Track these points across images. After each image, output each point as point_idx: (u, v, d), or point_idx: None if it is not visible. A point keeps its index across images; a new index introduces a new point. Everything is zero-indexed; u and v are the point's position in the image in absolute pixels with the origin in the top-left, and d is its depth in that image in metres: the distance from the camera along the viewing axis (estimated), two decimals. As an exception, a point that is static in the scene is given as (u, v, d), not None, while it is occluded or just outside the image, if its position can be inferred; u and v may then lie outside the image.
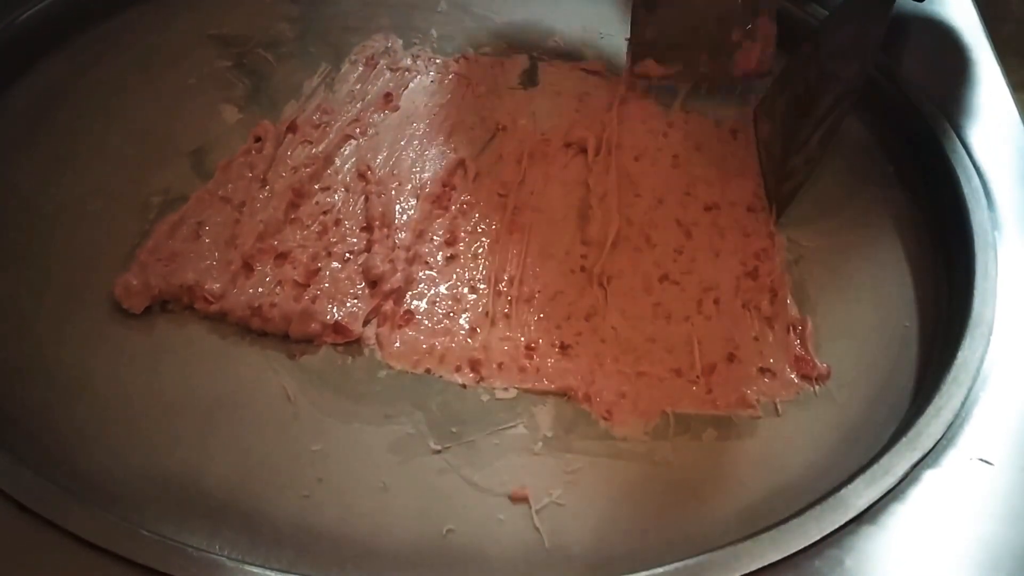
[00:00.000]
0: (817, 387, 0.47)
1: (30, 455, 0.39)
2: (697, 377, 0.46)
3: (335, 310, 0.47)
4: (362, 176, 0.53)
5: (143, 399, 0.43)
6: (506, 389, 0.45)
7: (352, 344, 0.46)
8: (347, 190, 0.53)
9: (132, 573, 0.35)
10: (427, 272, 0.50)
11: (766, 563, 0.37)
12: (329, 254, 0.49)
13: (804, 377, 0.47)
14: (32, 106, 0.55)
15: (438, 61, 0.62)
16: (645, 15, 0.58)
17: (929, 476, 0.41)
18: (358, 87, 0.59)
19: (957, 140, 0.56)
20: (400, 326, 0.47)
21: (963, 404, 0.43)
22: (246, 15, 0.63)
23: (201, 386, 0.44)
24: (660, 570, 0.37)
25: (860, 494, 0.40)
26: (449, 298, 0.49)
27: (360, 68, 0.61)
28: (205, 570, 0.35)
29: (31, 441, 0.41)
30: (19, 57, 0.57)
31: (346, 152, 0.55)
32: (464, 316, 0.48)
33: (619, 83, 0.61)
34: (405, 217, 0.51)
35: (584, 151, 0.57)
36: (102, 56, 0.59)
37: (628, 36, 0.59)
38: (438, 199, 0.53)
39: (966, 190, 0.53)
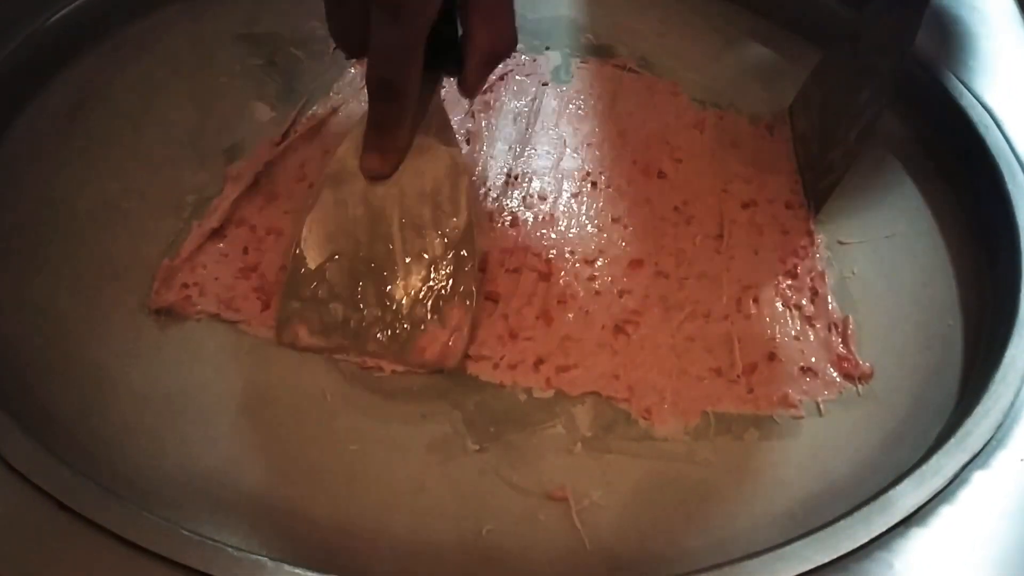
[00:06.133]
0: (860, 386, 0.46)
1: (68, 454, 0.38)
2: (738, 376, 0.46)
3: None
4: None
5: (180, 398, 0.43)
6: (543, 389, 0.45)
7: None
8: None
9: (172, 572, 0.34)
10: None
11: (814, 565, 0.36)
12: None
13: (847, 376, 0.46)
14: (64, 107, 0.55)
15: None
16: (305, 271, 0.46)
17: (979, 477, 0.40)
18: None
19: (1000, 134, 0.55)
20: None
21: (1012, 404, 0.42)
22: (277, 14, 0.63)
23: (238, 386, 0.44)
24: (703, 573, 0.37)
25: (909, 495, 0.39)
26: (486, 298, 0.48)
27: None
28: (245, 570, 0.35)
29: (69, 440, 0.40)
30: (51, 58, 0.57)
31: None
32: (502, 316, 0.47)
33: (653, 80, 0.61)
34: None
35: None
36: (133, 56, 0.59)
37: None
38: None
39: (1010, 186, 0.52)
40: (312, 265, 0.45)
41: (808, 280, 0.50)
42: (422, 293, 0.45)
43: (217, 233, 0.49)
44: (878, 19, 0.54)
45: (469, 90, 0.47)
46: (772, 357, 0.47)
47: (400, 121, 0.45)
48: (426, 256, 0.46)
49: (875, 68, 0.53)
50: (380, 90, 0.44)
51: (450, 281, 0.45)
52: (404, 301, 0.45)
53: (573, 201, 0.53)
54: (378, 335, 0.45)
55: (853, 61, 0.55)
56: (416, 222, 0.46)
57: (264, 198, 0.51)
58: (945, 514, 0.39)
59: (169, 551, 0.35)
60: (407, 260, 0.46)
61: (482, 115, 0.58)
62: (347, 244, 0.46)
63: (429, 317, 0.45)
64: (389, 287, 0.45)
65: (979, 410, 0.42)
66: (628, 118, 0.59)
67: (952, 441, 0.41)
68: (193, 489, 0.40)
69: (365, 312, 0.45)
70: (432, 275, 0.45)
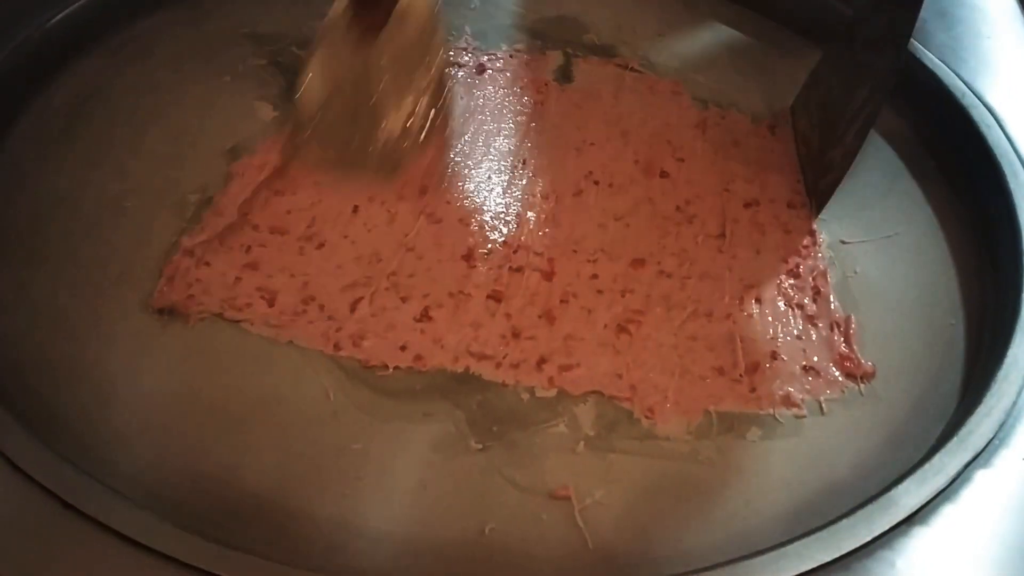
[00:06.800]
0: (862, 386, 0.46)
1: (72, 453, 0.38)
2: (740, 376, 0.46)
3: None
4: None
5: (183, 398, 0.43)
6: (546, 388, 0.45)
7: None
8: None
9: (174, 571, 0.35)
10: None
11: (816, 564, 0.36)
12: None
13: (849, 375, 0.46)
14: (68, 106, 0.55)
15: (467, 58, 0.62)
16: (310, 106, 0.50)
17: (981, 476, 0.40)
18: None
19: (1001, 133, 0.55)
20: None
21: (1015, 403, 0.42)
22: (279, 13, 0.63)
23: (241, 385, 0.44)
24: (707, 572, 0.37)
25: (911, 494, 0.39)
26: (489, 297, 0.48)
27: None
28: (248, 568, 0.35)
29: (72, 439, 0.40)
30: (55, 57, 0.57)
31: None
32: (505, 316, 0.47)
33: (654, 80, 0.61)
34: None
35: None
36: (137, 56, 0.59)
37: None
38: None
39: (1012, 185, 0.52)
40: (316, 100, 0.49)
41: (810, 279, 0.50)
42: (404, 130, 0.51)
43: (221, 234, 0.49)
44: (873, 16, 0.54)
45: None
46: (774, 356, 0.47)
47: None
48: (409, 94, 0.51)
49: (872, 65, 0.53)
50: None
51: (430, 113, 0.52)
52: (389, 138, 0.50)
53: (576, 200, 0.53)
54: (375, 157, 0.50)
55: (851, 59, 0.55)
56: (400, 66, 0.50)
57: (267, 197, 0.51)
58: (947, 513, 0.39)
59: (172, 550, 0.35)
60: (394, 97, 0.50)
61: (485, 115, 0.58)
62: (345, 83, 0.50)
63: (410, 151, 0.51)
64: (376, 126, 0.50)
65: (981, 409, 0.42)
66: (630, 117, 0.59)
67: (954, 440, 0.41)
68: (196, 488, 0.40)
69: (357, 148, 0.50)
70: (412, 115, 0.51)
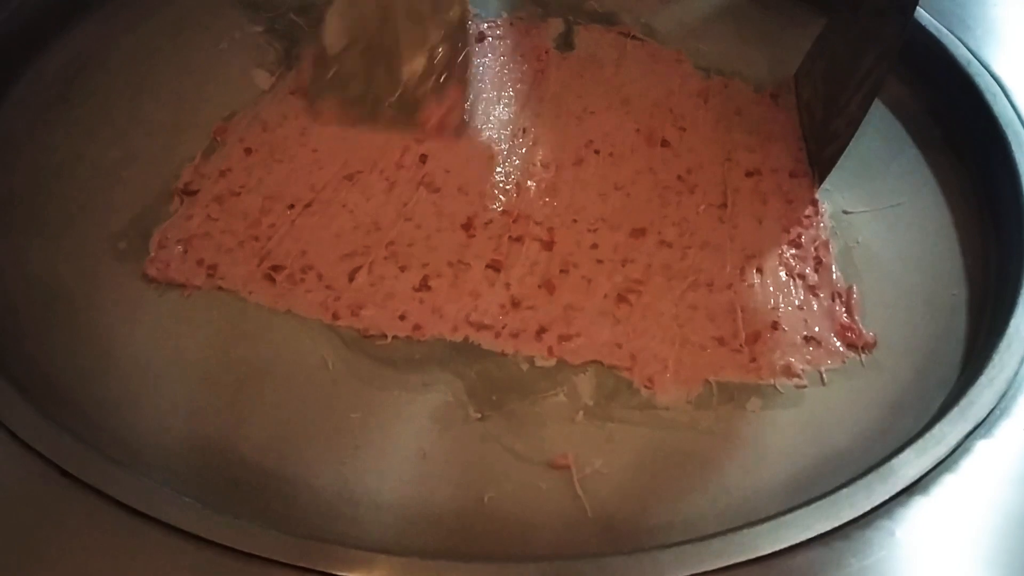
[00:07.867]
0: (863, 356, 0.46)
1: (71, 422, 0.38)
2: (741, 346, 0.45)
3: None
4: None
5: (182, 366, 0.43)
6: (546, 357, 0.45)
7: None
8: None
9: (172, 539, 0.35)
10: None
11: (815, 533, 0.36)
12: None
13: (850, 346, 0.46)
14: (64, 73, 0.55)
15: (468, 24, 0.61)
16: (327, 58, 0.52)
17: (981, 446, 0.40)
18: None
19: (1007, 102, 0.54)
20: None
21: (1016, 373, 0.42)
22: (276, -21, 0.62)
23: (240, 353, 0.44)
24: (706, 541, 0.37)
25: (911, 464, 0.39)
26: (488, 267, 0.48)
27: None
28: (245, 538, 0.35)
29: (71, 408, 0.40)
30: (50, 24, 0.56)
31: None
32: (504, 285, 0.47)
33: (656, 48, 0.61)
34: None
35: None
36: (133, 22, 0.58)
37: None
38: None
39: (1017, 155, 0.51)
40: (332, 53, 0.51)
41: (812, 249, 0.50)
42: (424, 74, 0.51)
43: (217, 201, 0.49)
44: None
45: None
46: (775, 326, 0.46)
47: None
48: (426, 43, 0.52)
49: (878, 33, 0.52)
50: None
51: (447, 64, 0.52)
52: (409, 81, 0.51)
53: (576, 169, 0.53)
54: (388, 108, 0.51)
55: (856, 26, 0.54)
56: (417, 14, 0.52)
57: (264, 166, 0.51)
58: (948, 483, 0.39)
59: (170, 518, 0.35)
60: (410, 47, 0.51)
61: (484, 83, 0.57)
62: (360, 34, 0.51)
63: (429, 94, 0.51)
64: (396, 70, 0.51)
65: (983, 379, 0.42)
66: (631, 86, 0.58)
67: (955, 410, 0.41)
68: (194, 456, 0.40)
69: (378, 90, 0.51)
70: (432, 59, 0.52)
